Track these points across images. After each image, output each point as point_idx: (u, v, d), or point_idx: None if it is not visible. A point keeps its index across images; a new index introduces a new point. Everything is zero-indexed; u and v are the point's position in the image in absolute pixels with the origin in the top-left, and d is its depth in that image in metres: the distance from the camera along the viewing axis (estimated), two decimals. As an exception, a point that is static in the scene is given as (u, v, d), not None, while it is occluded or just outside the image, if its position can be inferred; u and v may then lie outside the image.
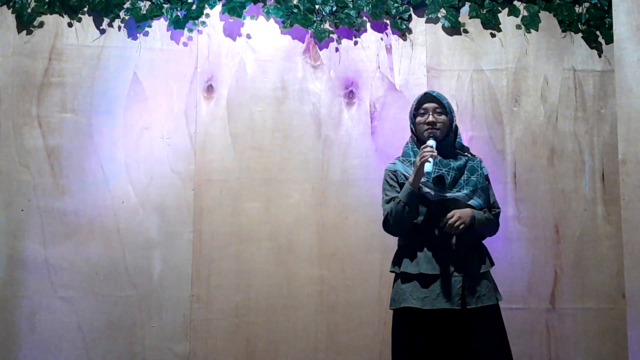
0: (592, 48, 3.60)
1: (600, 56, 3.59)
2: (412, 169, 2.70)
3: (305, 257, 3.45)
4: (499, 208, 2.88)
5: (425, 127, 2.75)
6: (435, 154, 2.63)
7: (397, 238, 2.83)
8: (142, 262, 3.40)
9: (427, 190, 2.70)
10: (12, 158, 3.39)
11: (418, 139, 2.81)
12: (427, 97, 2.80)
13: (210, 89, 3.53)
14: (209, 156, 3.49)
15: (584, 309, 3.45)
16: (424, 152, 2.62)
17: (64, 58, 3.47)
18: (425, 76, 3.59)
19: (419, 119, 2.78)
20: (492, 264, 2.81)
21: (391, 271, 2.80)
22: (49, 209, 3.38)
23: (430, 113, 2.76)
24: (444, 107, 2.78)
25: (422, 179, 2.67)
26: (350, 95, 3.58)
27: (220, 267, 3.43)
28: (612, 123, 3.48)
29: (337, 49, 3.59)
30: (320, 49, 3.59)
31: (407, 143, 2.87)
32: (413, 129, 2.82)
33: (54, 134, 3.43)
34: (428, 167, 2.61)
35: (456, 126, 2.85)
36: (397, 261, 2.77)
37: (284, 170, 3.50)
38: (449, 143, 2.80)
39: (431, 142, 2.68)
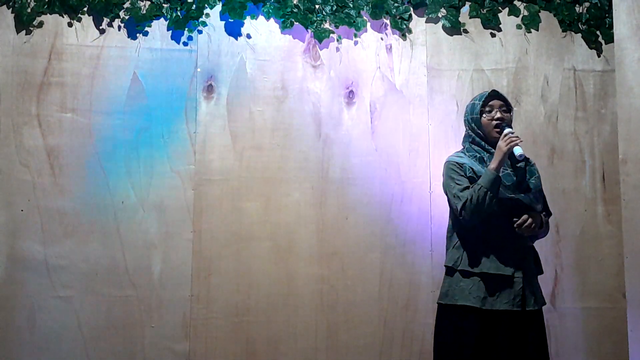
0: (592, 48, 3.60)
1: (600, 56, 3.60)
2: (493, 155, 2.69)
3: (305, 256, 3.45)
4: (551, 213, 2.88)
5: (494, 123, 2.75)
6: (521, 139, 2.68)
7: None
8: (142, 262, 3.40)
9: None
10: (12, 158, 3.38)
11: (482, 137, 2.79)
12: (494, 94, 2.81)
13: (210, 88, 3.53)
14: (209, 156, 3.49)
15: (584, 309, 3.45)
16: (511, 137, 2.66)
17: (63, 58, 3.47)
18: (426, 76, 3.59)
19: (486, 116, 2.78)
20: (541, 267, 2.81)
21: (447, 266, 2.76)
22: (49, 208, 3.37)
23: (497, 109, 2.77)
24: (508, 106, 2.81)
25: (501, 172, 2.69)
26: (350, 95, 3.58)
27: (220, 267, 3.42)
28: (613, 123, 3.48)
29: (337, 49, 3.59)
30: (321, 49, 3.59)
31: (464, 140, 2.84)
32: (475, 127, 2.79)
33: (54, 134, 3.42)
34: (519, 150, 2.65)
35: None
36: (456, 258, 2.73)
37: (284, 169, 3.50)
38: None
39: (511, 129, 2.70)
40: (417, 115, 3.57)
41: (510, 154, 2.68)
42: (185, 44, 3.54)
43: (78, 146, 3.43)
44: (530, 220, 2.66)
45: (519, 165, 2.75)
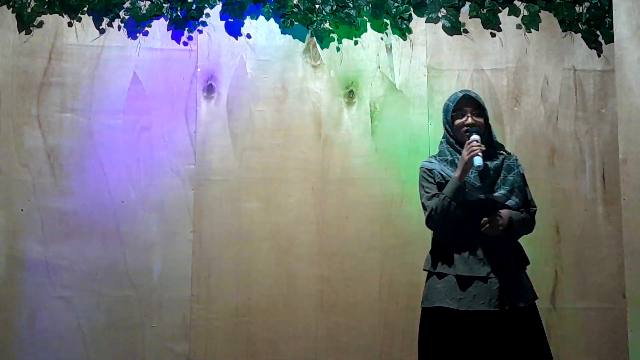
0: (592, 48, 3.60)
1: (600, 56, 3.60)
2: (458, 164, 2.65)
3: (305, 256, 3.45)
4: (535, 206, 2.83)
5: (465, 128, 2.70)
6: (483, 147, 2.62)
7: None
8: (142, 262, 3.40)
9: (467, 189, 2.67)
10: (12, 158, 3.38)
11: (455, 140, 2.75)
12: (466, 98, 2.74)
13: (210, 88, 3.53)
14: (209, 156, 3.49)
15: (584, 309, 3.45)
16: (472, 146, 2.60)
17: (63, 58, 3.47)
18: (426, 76, 3.59)
19: (457, 121, 2.72)
20: (528, 262, 2.78)
21: (425, 270, 2.76)
22: (49, 208, 3.37)
23: (469, 115, 2.71)
24: (482, 109, 2.74)
25: (468, 175, 2.65)
26: (350, 95, 3.58)
27: (220, 267, 3.43)
28: (613, 123, 3.48)
29: (337, 49, 3.59)
30: (321, 49, 3.59)
31: (441, 142, 2.81)
32: (449, 129, 2.76)
33: (54, 134, 3.42)
34: (478, 160, 2.59)
35: (489, 125, 2.79)
36: (432, 260, 2.73)
37: (284, 170, 3.50)
38: (485, 143, 2.71)
39: (476, 137, 2.64)
40: (417, 115, 3.57)
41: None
42: (185, 43, 3.54)
43: (78, 146, 3.43)
44: (493, 221, 2.62)
45: (494, 162, 2.70)
